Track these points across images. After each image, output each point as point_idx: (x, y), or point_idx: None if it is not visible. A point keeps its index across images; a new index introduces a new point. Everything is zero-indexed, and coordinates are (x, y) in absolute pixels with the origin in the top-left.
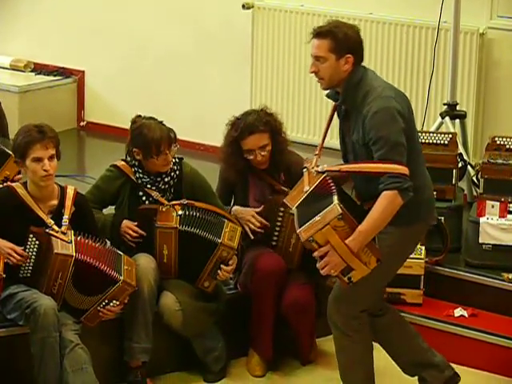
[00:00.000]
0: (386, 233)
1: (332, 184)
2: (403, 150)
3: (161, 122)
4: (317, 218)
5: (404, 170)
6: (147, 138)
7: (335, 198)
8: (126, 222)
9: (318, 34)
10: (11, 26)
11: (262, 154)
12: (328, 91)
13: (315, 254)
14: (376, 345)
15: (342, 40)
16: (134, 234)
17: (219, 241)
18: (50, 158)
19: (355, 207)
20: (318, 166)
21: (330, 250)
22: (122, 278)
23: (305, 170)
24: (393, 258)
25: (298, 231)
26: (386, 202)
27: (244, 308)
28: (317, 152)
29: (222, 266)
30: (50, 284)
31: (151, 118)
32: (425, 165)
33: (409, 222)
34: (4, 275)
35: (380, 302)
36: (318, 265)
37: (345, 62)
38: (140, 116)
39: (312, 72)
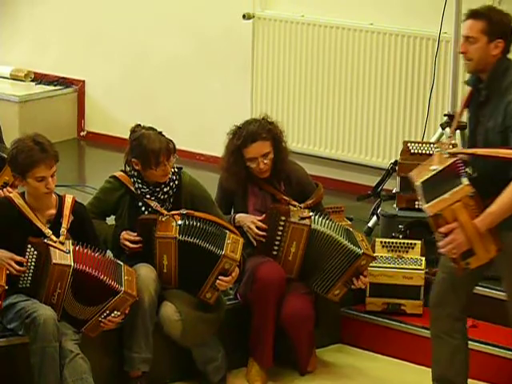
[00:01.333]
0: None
1: (462, 167)
2: None
3: (160, 133)
4: (446, 195)
5: None
6: (146, 148)
7: (465, 179)
8: (123, 234)
9: (474, 14)
10: (12, 35)
11: (265, 161)
12: (467, 78)
13: (442, 229)
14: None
15: (496, 24)
16: (131, 246)
17: (222, 253)
18: (52, 175)
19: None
20: (451, 148)
21: (457, 228)
22: (123, 288)
23: (437, 149)
24: None
25: (424, 206)
26: None
27: (244, 318)
28: (450, 135)
29: (221, 277)
30: (50, 294)
31: (150, 129)
32: None
33: None
34: (6, 287)
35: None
36: (440, 243)
37: (495, 47)
38: (139, 125)
39: (461, 52)
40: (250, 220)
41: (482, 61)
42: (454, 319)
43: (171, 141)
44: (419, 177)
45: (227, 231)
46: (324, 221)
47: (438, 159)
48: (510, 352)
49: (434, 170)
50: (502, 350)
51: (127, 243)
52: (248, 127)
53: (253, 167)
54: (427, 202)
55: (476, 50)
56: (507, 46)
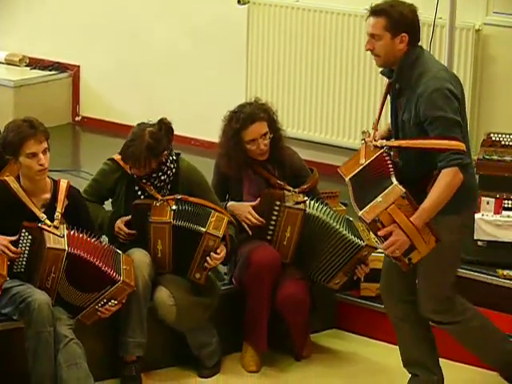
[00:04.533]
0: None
1: (389, 162)
2: (460, 128)
3: (167, 129)
4: (379, 198)
5: (463, 146)
6: (126, 152)
7: (394, 179)
8: (118, 223)
9: (374, 12)
10: (6, 20)
11: (265, 142)
12: (382, 69)
13: (380, 232)
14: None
15: (397, 19)
16: (125, 238)
17: (203, 230)
18: (44, 151)
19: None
20: (376, 140)
21: (395, 230)
22: (121, 278)
23: (362, 142)
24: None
25: (359, 213)
26: (448, 179)
27: (238, 303)
28: (373, 125)
29: (210, 254)
30: (44, 279)
31: (153, 125)
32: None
33: (458, 209)
34: (8, 278)
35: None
36: (382, 245)
37: (400, 41)
38: (143, 123)
39: (367, 49)
40: (246, 210)
41: (390, 56)
42: (403, 302)
43: (157, 146)
44: (348, 172)
45: (212, 210)
46: (320, 206)
47: (364, 151)
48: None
49: (362, 164)
50: None
51: (122, 233)
52: (244, 109)
53: (253, 149)
54: (360, 209)
55: (381, 47)
56: (412, 37)
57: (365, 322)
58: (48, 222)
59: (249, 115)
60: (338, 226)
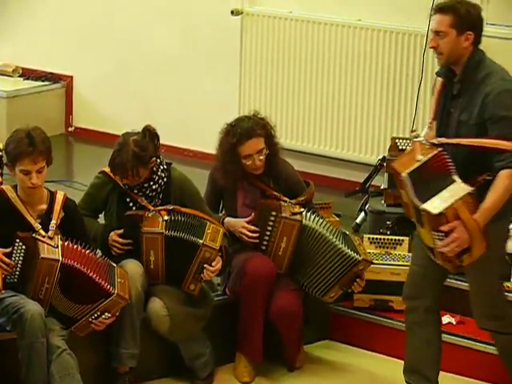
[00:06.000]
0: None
1: (449, 160)
2: None
3: (152, 136)
4: (445, 193)
5: None
6: (114, 162)
7: (456, 176)
8: (112, 235)
9: (441, 9)
10: (0, 31)
11: (260, 158)
12: (439, 69)
13: (444, 227)
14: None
15: (464, 16)
16: (120, 248)
17: (201, 242)
18: (39, 170)
19: None
20: (432, 138)
21: (458, 226)
22: (115, 291)
23: (415, 139)
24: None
25: (422, 206)
26: (507, 181)
27: (231, 314)
28: (429, 124)
29: (205, 266)
30: (37, 289)
31: (137, 134)
32: None
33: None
34: (3, 291)
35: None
36: (441, 243)
37: (465, 39)
38: (128, 132)
39: (431, 47)
40: (240, 225)
41: (453, 54)
42: (426, 311)
43: (143, 154)
44: (404, 168)
45: (207, 222)
46: (316, 218)
47: (420, 149)
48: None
49: (419, 160)
50: (488, 347)
51: (115, 247)
52: (241, 124)
53: (248, 164)
54: (422, 201)
55: (446, 44)
56: (477, 37)
57: (358, 332)
58: (42, 232)
59: (246, 131)
60: (334, 240)
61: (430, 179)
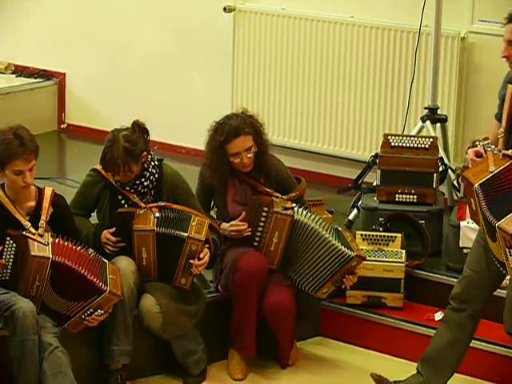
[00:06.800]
0: None
1: None
2: None
3: (142, 131)
4: None
5: None
6: (104, 158)
7: None
8: (105, 233)
9: None
10: None
11: (248, 156)
12: (510, 76)
13: None
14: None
15: None
16: (113, 246)
17: (185, 235)
18: (31, 169)
19: None
20: (505, 150)
21: None
22: (108, 288)
23: (489, 149)
24: None
25: (497, 224)
26: None
27: (224, 311)
28: (502, 134)
29: (193, 259)
30: (28, 287)
31: (126, 129)
32: None
33: None
34: None
35: None
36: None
37: None
38: (117, 129)
39: (504, 57)
40: (229, 224)
41: None
42: (470, 316)
43: (133, 150)
44: (476, 178)
45: (192, 215)
46: (308, 213)
47: (493, 159)
48: (489, 345)
49: (492, 172)
50: (499, 348)
51: (108, 245)
52: (229, 122)
53: (236, 162)
54: (495, 215)
55: None
56: None
57: (350, 329)
58: (32, 229)
59: (234, 129)
60: (327, 235)
61: (503, 192)
